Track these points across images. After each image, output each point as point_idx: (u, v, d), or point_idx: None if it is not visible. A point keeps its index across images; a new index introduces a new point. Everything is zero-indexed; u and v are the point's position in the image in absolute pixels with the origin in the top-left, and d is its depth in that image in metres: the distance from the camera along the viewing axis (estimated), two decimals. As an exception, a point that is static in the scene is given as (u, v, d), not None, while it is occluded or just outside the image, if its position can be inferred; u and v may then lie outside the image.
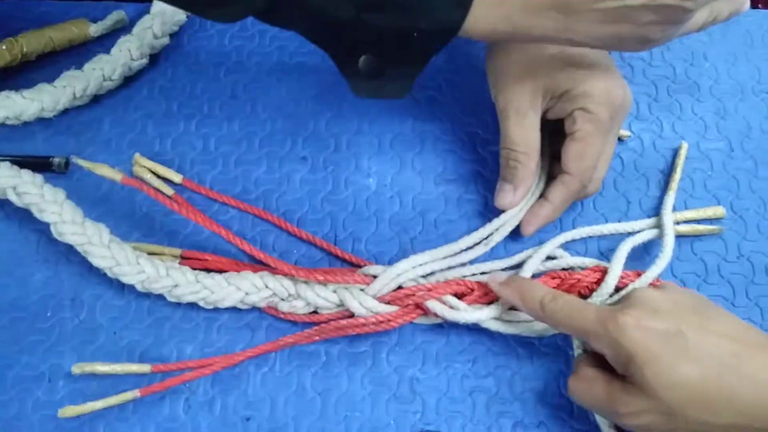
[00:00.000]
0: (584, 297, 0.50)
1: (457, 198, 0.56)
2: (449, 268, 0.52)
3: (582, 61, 0.49)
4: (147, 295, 0.52)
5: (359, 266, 0.53)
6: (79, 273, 0.53)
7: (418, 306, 0.50)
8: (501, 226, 0.53)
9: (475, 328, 0.51)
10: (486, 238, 0.53)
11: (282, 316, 0.51)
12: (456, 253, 0.52)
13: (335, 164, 0.57)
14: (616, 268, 0.49)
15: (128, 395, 0.48)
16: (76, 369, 0.48)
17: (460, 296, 0.50)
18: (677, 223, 0.53)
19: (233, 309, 0.51)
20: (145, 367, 0.49)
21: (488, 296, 0.50)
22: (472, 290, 0.50)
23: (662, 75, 0.61)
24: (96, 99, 0.60)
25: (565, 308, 0.45)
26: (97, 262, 0.50)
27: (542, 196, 0.53)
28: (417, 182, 0.57)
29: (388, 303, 0.50)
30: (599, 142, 0.50)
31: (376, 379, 0.50)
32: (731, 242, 0.54)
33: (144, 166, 0.56)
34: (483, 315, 0.49)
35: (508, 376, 0.50)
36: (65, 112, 0.59)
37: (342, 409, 0.49)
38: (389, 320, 0.50)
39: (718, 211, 0.54)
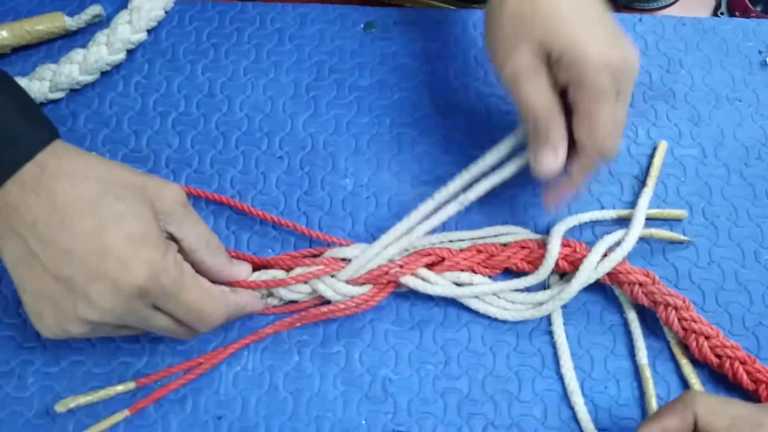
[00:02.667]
0: (518, 272, 0.52)
1: (433, 200, 0.56)
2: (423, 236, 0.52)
3: (577, 23, 0.46)
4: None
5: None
6: (51, 269, 0.52)
7: (391, 282, 0.51)
8: (478, 183, 0.51)
9: (448, 329, 0.51)
10: (462, 193, 0.51)
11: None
12: (429, 214, 0.51)
13: (312, 164, 0.57)
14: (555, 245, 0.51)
15: (119, 416, 0.48)
16: (61, 408, 0.47)
17: (431, 266, 0.51)
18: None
19: (206, 307, 0.51)
20: (130, 385, 0.49)
21: (459, 265, 0.51)
22: (443, 259, 0.51)
23: (638, 81, 0.61)
24: (71, 94, 0.59)
25: None
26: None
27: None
28: (393, 183, 0.57)
29: (363, 284, 0.50)
30: (606, 110, 0.46)
31: (349, 380, 0.50)
32: (702, 248, 0.54)
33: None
34: (458, 290, 0.50)
35: (480, 378, 0.50)
36: (40, 106, 0.58)
37: (314, 409, 0.49)
38: (366, 300, 0.50)
39: (681, 214, 0.55)
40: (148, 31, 0.62)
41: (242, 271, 0.50)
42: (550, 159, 0.48)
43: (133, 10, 0.60)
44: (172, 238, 0.45)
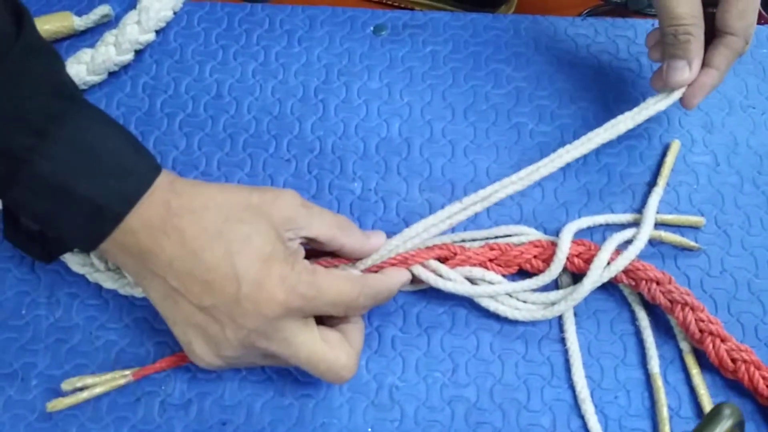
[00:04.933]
0: (531, 273, 0.52)
1: (442, 205, 0.55)
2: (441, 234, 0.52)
3: None
4: (125, 295, 0.51)
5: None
6: (56, 271, 0.52)
7: None
8: (503, 188, 0.51)
9: (456, 336, 0.51)
10: (488, 197, 0.50)
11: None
12: (454, 214, 0.51)
13: (320, 167, 0.57)
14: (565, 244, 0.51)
15: (121, 380, 0.48)
16: (67, 386, 0.47)
17: (443, 260, 0.51)
18: (658, 223, 0.54)
19: (212, 311, 0.51)
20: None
21: (471, 260, 0.50)
22: (455, 254, 0.51)
23: (650, 87, 0.60)
24: (78, 94, 0.59)
25: None
26: (76, 268, 0.50)
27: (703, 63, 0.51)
28: (402, 188, 0.56)
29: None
30: None
31: (355, 386, 0.50)
32: (714, 257, 0.54)
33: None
34: (471, 289, 0.50)
35: (488, 386, 0.50)
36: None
37: (319, 416, 0.49)
38: None
39: (699, 221, 0.54)
40: (157, 32, 0.61)
41: (380, 238, 0.50)
42: (684, 73, 0.50)
43: (141, 11, 0.60)
44: (307, 239, 0.46)
